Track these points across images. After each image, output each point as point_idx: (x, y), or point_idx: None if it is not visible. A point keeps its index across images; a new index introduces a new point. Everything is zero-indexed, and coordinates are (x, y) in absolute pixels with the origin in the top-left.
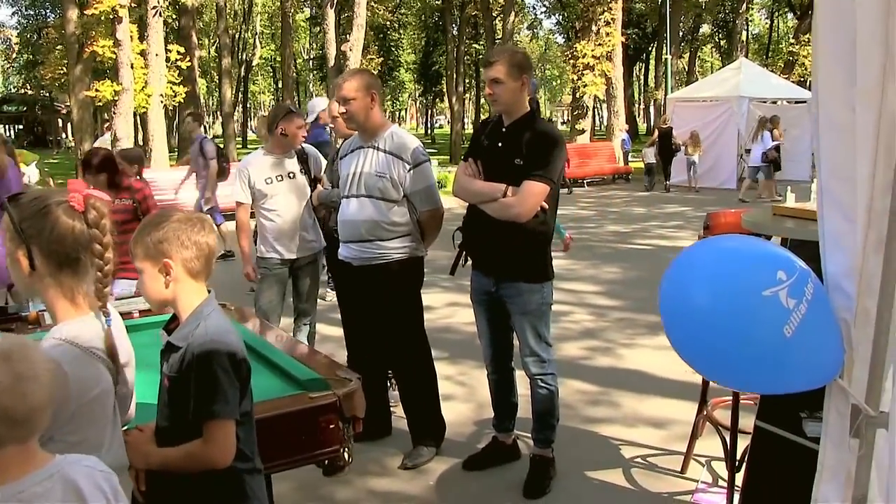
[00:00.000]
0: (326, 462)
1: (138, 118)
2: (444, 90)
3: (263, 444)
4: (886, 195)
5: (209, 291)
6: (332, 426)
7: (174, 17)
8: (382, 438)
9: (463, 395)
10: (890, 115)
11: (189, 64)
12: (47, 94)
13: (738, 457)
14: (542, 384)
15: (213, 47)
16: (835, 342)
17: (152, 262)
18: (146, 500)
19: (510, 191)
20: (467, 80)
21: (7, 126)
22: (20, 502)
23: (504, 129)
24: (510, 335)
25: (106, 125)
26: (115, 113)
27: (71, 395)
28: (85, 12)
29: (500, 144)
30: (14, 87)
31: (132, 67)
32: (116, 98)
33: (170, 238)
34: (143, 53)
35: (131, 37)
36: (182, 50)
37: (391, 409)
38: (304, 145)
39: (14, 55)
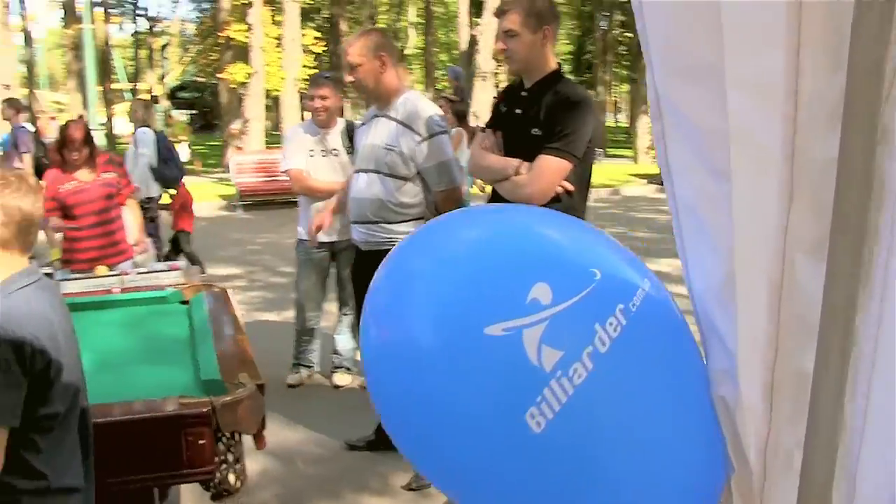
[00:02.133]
0: (210, 485)
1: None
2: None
3: (115, 453)
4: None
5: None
6: (200, 441)
7: (311, 2)
8: (392, 451)
9: None
10: None
11: (326, 48)
12: (214, 81)
13: None
14: None
15: None
16: (692, 454)
17: None
18: None
19: (523, 167)
20: (618, 70)
21: (182, 111)
22: None
23: (524, 93)
24: None
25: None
26: (245, 95)
27: None
28: None
29: (517, 111)
30: (191, 76)
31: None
32: (248, 80)
33: None
34: (278, 38)
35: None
36: (318, 35)
37: None
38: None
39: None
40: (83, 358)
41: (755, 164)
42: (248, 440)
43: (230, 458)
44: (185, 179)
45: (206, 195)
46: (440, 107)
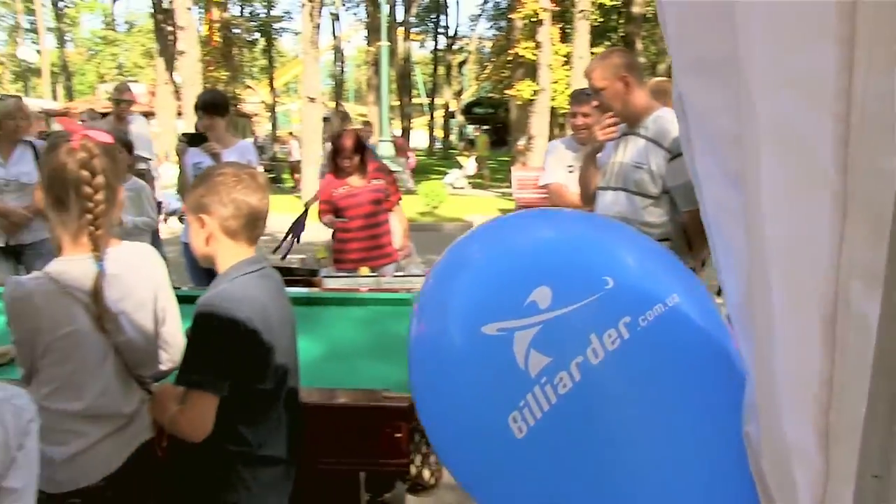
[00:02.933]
0: (406, 478)
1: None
2: None
3: (322, 435)
4: None
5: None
6: (397, 435)
7: (600, 20)
8: None
9: None
10: None
11: None
12: (506, 98)
13: None
14: None
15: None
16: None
17: (194, 216)
18: (164, 458)
19: None
20: None
21: (475, 126)
22: None
23: None
24: None
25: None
26: (532, 111)
27: (42, 328)
28: (511, 16)
29: None
30: (485, 92)
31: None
32: (534, 98)
33: (210, 193)
34: (567, 56)
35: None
36: None
37: None
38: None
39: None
40: (321, 346)
41: (800, 173)
42: None
43: (427, 454)
44: (472, 192)
45: (487, 208)
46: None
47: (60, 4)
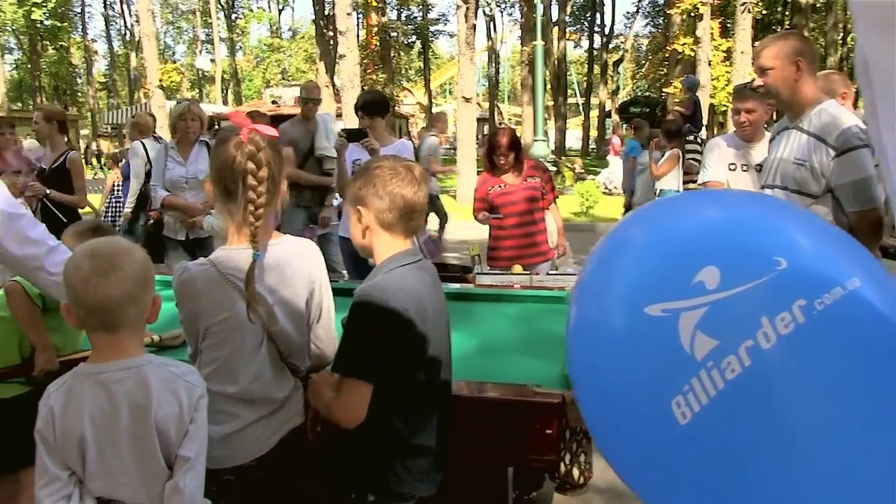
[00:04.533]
0: (555, 475)
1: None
2: None
3: (473, 427)
4: None
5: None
6: (548, 431)
7: (763, 12)
8: None
9: None
10: None
11: None
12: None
13: None
14: None
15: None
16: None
17: (353, 209)
18: (317, 443)
19: None
20: None
21: (629, 126)
22: (97, 382)
23: None
24: None
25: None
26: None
27: (202, 311)
28: (669, 12)
29: None
30: (641, 91)
31: (710, 65)
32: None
33: (367, 185)
34: (727, 51)
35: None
36: None
37: None
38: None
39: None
40: (474, 340)
41: None
42: None
43: (577, 452)
44: None
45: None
46: (671, 119)
47: (233, 16)
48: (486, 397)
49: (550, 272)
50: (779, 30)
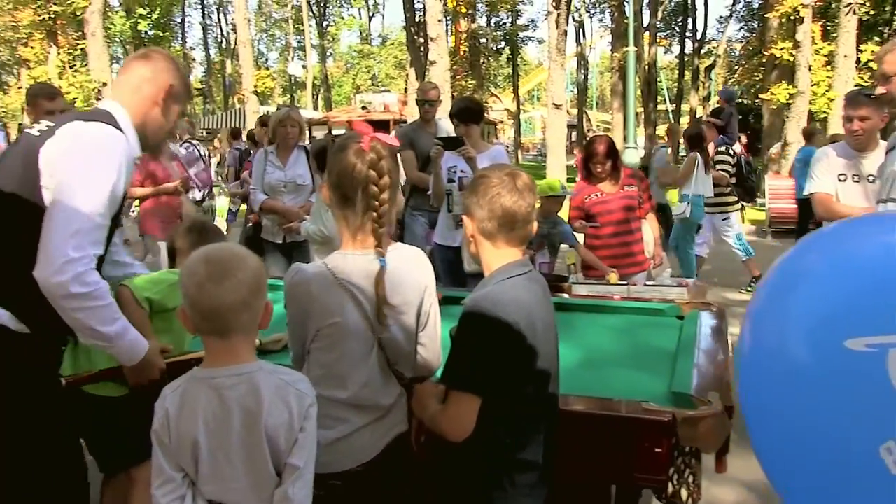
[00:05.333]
0: (662, 496)
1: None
2: None
3: (579, 442)
4: None
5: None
6: (657, 449)
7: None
8: None
9: None
10: None
11: None
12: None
13: None
14: None
15: None
16: None
17: (463, 218)
18: (422, 453)
19: None
20: None
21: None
22: (210, 387)
23: None
24: None
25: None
26: (787, 116)
27: (312, 313)
28: (767, 15)
29: None
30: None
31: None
32: (791, 101)
33: (471, 195)
34: (829, 55)
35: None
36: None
37: None
38: None
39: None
40: (575, 353)
41: None
42: (709, 461)
43: (685, 472)
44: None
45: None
46: (702, 130)
47: (324, 24)
48: (592, 412)
49: (647, 283)
50: (886, 31)
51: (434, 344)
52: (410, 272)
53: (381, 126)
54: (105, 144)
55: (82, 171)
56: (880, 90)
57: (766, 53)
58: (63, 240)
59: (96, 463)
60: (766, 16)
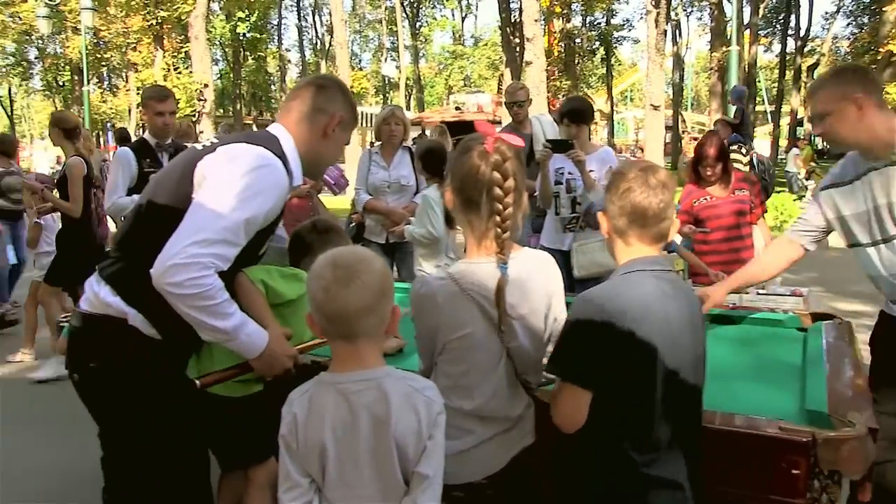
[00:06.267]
0: None
1: None
2: None
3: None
4: None
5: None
6: (794, 471)
7: None
8: None
9: None
10: None
11: None
12: None
13: None
14: None
15: None
16: None
17: (601, 215)
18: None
19: None
20: None
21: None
22: (338, 392)
23: None
24: None
25: None
26: None
27: (440, 326)
28: (885, 9)
29: None
30: None
31: None
32: None
33: (608, 191)
34: None
35: None
36: None
37: None
38: None
39: None
40: None
41: None
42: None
43: (823, 498)
44: None
45: None
46: (716, 130)
47: (417, 24)
48: (723, 429)
49: (760, 291)
50: None
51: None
52: (538, 278)
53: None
54: (259, 170)
55: (225, 187)
56: (817, 130)
57: (880, 50)
58: (185, 241)
59: (216, 459)
60: (882, 10)
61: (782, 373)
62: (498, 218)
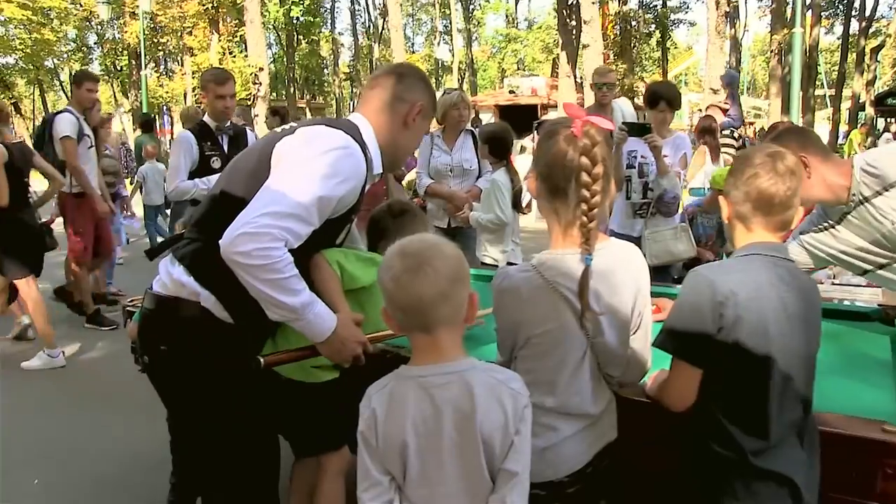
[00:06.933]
0: None
1: None
2: None
3: None
4: None
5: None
6: (891, 472)
7: None
8: None
9: None
10: None
11: None
12: None
13: None
14: None
15: None
16: None
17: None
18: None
19: None
20: None
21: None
22: (420, 387)
23: None
24: None
25: None
26: None
27: (524, 321)
28: None
29: None
30: None
31: None
32: None
33: (730, 176)
34: None
35: None
36: None
37: None
38: None
39: None
40: None
41: None
42: None
43: None
44: None
45: None
46: (709, 116)
47: (470, 7)
48: (823, 430)
49: (834, 282)
50: None
51: (645, 345)
52: (625, 270)
53: (529, 110)
54: (336, 151)
55: (302, 165)
56: None
57: None
58: (257, 212)
59: (290, 446)
60: None
61: (872, 369)
62: (585, 206)
